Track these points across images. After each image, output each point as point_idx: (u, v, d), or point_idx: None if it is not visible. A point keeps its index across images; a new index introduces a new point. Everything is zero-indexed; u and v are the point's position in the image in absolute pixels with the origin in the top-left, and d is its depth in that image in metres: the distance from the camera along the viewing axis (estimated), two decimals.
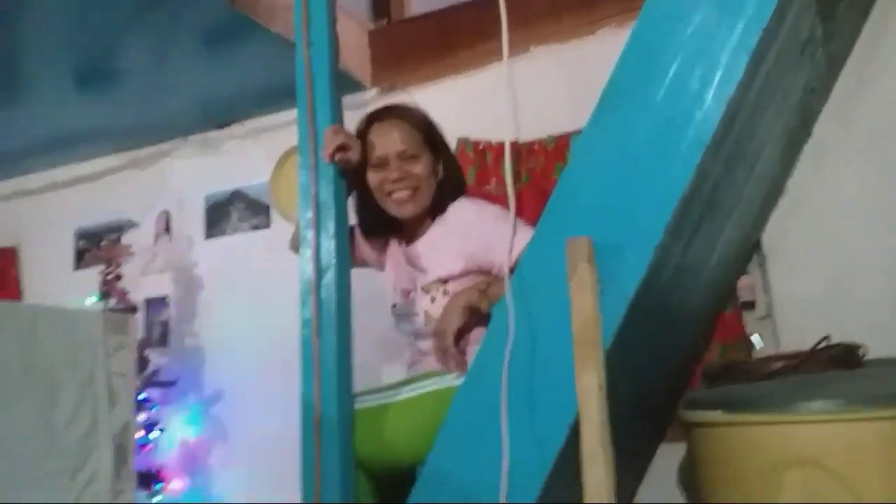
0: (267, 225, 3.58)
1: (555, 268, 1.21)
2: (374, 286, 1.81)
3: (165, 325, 3.70)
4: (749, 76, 1.26)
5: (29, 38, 2.77)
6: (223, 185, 3.68)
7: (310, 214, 1.56)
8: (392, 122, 1.65)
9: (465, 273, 1.57)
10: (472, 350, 1.49)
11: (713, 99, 1.23)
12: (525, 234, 1.42)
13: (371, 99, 3.23)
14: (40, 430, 1.79)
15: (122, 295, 3.39)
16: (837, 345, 1.57)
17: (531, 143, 2.90)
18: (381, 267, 1.80)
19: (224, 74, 3.16)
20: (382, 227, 1.74)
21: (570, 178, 1.35)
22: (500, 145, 2.94)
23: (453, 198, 1.66)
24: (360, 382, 1.56)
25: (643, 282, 1.24)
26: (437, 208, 1.65)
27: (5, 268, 4.08)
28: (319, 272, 1.53)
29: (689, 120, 1.24)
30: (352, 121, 1.69)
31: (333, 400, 1.47)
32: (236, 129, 3.66)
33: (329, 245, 1.55)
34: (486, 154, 2.99)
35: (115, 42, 2.87)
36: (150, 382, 3.32)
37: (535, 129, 2.86)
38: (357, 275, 1.65)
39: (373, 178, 1.64)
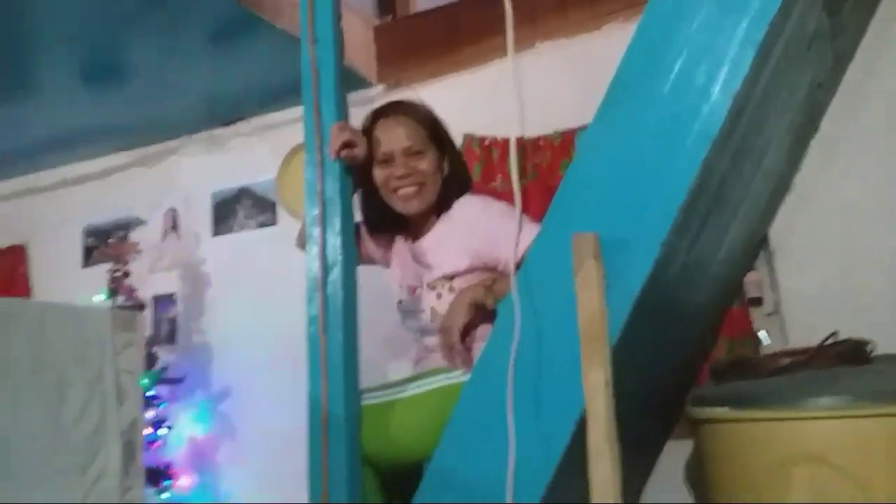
0: (273, 222, 3.58)
1: (561, 264, 1.21)
2: (381, 283, 1.82)
3: (173, 322, 3.72)
4: (755, 70, 1.25)
5: (36, 37, 2.78)
6: (230, 182, 3.69)
7: (316, 211, 1.56)
8: (398, 119, 1.65)
9: (470, 269, 1.57)
10: (478, 347, 1.48)
11: (719, 93, 1.23)
12: (530, 231, 1.42)
13: (376, 95, 3.23)
14: (49, 427, 1.80)
15: (130, 292, 3.40)
16: (845, 340, 1.56)
17: (537, 139, 2.89)
18: (387, 264, 1.80)
19: (230, 71, 3.17)
20: (388, 223, 1.74)
21: (576, 174, 1.35)
22: (506, 141, 2.94)
23: (459, 194, 1.66)
24: (366, 379, 1.57)
25: (649, 277, 1.23)
26: (442, 205, 1.65)
27: (14, 266, 4.10)
28: (326, 269, 1.53)
29: (695, 114, 1.24)
30: (357, 117, 1.69)
31: (340, 396, 1.47)
32: (242, 126, 3.66)
33: (335, 242, 1.55)
34: (492, 150, 2.98)
35: (122, 40, 2.88)
36: (159, 379, 3.34)
37: (540, 124, 2.85)
38: (363, 271, 1.65)
39: (378, 174, 1.64)
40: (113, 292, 3.38)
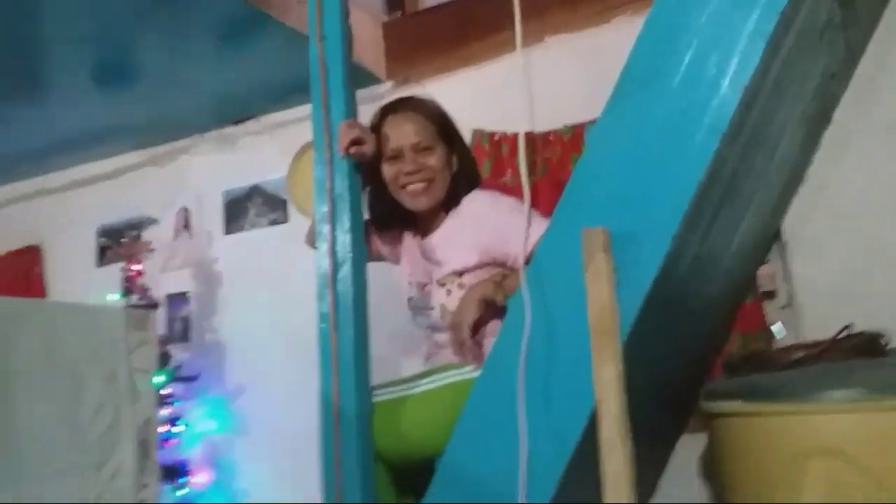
0: (284, 220, 3.59)
1: (570, 258, 1.20)
2: (390, 280, 1.82)
3: (186, 321, 3.73)
4: (766, 62, 1.24)
5: (46, 38, 2.80)
6: (241, 180, 3.70)
7: (325, 208, 1.57)
8: (406, 115, 1.65)
9: (480, 265, 1.56)
10: (489, 342, 1.48)
11: (729, 86, 1.22)
12: (540, 226, 1.42)
13: (385, 92, 3.22)
14: (64, 426, 1.81)
15: (144, 291, 3.42)
16: (860, 333, 1.55)
17: (547, 134, 2.88)
18: (397, 260, 1.80)
19: (239, 70, 3.17)
20: (397, 220, 1.74)
21: (586, 168, 1.34)
22: (516, 136, 2.92)
23: (467, 190, 1.65)
24: (377, 376, 1.57)
25: (660, 271, 1.23)
26: (451, 201, 1.65)
27: (29, 266, 4.14)
28: (336, 266, 1.54)
29: (705, 107, 1.23)
30: (366, 114, 1.69)
31: (351, 393, 1.48)
32: (252, 124, 3.67)
33: (345, 239, 1.55)
34: (502, 145, 2.97)
35: (131, 40, 2.90)
36: (173, 377, 3.36)
37: (550, 119, 2.83)
38: (373, 268, 1.65)
39: (387, 170, 1.64)
40: (126, 291, 3.40)
